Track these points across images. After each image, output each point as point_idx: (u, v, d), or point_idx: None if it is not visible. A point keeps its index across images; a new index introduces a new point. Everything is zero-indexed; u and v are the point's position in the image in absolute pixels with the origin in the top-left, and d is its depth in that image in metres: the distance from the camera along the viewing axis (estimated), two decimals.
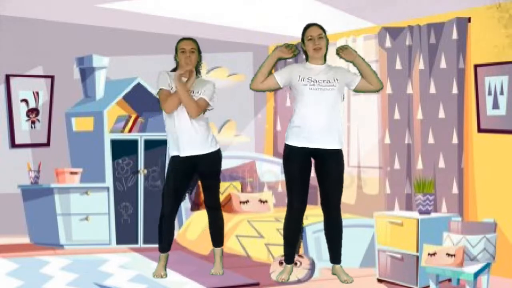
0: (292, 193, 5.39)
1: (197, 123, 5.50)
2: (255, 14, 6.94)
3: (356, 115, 7.21)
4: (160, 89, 5.50)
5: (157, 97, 5.55)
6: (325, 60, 5.44)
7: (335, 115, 5.34)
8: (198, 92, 5.53)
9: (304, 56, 5.52)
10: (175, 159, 5.54)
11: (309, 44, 5.35)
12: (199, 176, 5.66)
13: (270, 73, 5.41)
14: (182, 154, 5.49)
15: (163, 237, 5.57)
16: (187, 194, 6.37)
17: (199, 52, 5.61)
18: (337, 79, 5.36)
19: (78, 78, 7.37)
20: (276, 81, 5.39)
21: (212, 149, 5.58)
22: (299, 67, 5.44)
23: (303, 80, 5.33)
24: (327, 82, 5.32)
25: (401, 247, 5.46)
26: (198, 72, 5.61)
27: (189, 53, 5.51)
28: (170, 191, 5.52)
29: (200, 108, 5.49)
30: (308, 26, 5.41)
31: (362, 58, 5.40)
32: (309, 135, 5.31)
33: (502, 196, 5.85)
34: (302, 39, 5.43)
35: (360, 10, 6.51)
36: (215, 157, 5.61)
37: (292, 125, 5.37)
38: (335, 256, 5.53)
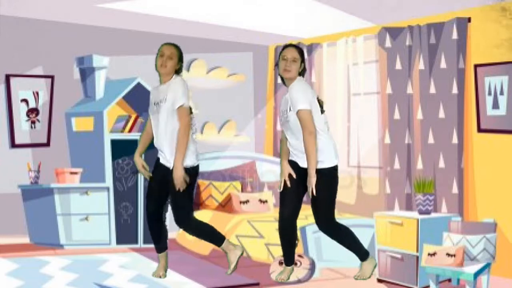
0: (281, 201, 5.41)
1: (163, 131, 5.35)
2: (255, 14, 6.94)
3: (356, 115, 7.21)
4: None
5: None
6: (301, 75, 5.39)
7: (300, 140, 5.25)
8: (165, 99, 5.28)
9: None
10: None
11: (281, 63, 5.33)
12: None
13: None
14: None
15: (152, 237, 5.54)
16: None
17: (180, 58, 5.42)
18: (290, 107, 5.28)
19: (78, 78, 7.37)
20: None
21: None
22: (282, 99, 5.47)
23: (279, 116, 5.46)
24: (284, 113, 5.34)
25: (401, 247, 5.46)
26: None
27: (166, 58, 5.34)
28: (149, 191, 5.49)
29: (183, 125, 5.22)
30: (286, 46, 5.40)
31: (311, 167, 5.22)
32: (292, 156, 5.39)
33: (502, 196, 5.85)
34: (279, 56, 5.40)
35: (360, 10, 6.51)
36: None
37: None
38: (356, 255, 5.50)
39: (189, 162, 5.31)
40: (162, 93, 5.33)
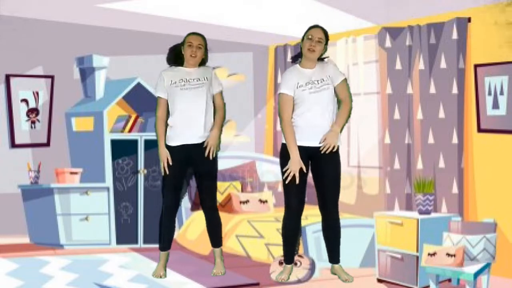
0: (289, 194, 5.38)
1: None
2: (255, 14, 6.94)
3: (356, 115, 7.20)
4: (158, 96, 5.62)
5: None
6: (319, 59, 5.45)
7: (333, 113, 5.37)
8: (201, 79, 5.56)
9: (289, 60, 5.55)
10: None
11: (306, 43, 5.34)
12: (195, 176, 5.68)
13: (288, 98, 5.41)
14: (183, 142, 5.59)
15: (163, 234, 5.58)
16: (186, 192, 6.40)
17: (206, 49, 5.64)
18: (329, 76, 5.39)
19: (78, 78, 7.38)
20: (291, 99, 5.37)
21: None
22: (293, 74, 5.40)
23: (302, 86, 5.34)
24: (322, 82, 5.35)
25: (401, 247, 5.46)
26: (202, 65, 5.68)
27: (195, 48, 5.54)
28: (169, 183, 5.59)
29: (223, 109, 5.67)
30: (314, 26, 5.41)
31: (340, 128, 5.37)
32: (307, 134, 5.33)
33: (502, 196, 5.85)
34: (304, 36, 5.42)
35: (360, 10, 6.51)
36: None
37: (292, 123, 5.38)
38: (335, 255, 5.53)
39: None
40: (197, 73, 5.57)
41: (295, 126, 5.36)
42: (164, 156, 5.53)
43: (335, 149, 5.34)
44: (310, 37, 5.34)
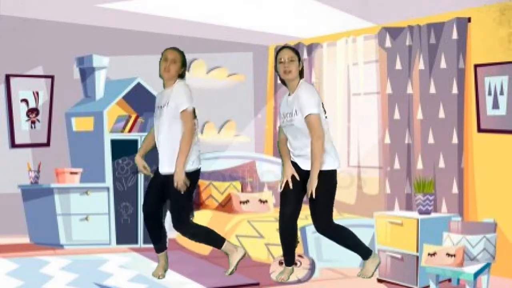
0: (282, 200, 5.36)
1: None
2: (255, 14, 6.94)
3: (356, 115, 7.21)
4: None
5: None
6: (301, 77, 5.35)
7: (304, 144, 5.23)
8: (163, 105, 5.28)
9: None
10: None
11: (280, 67, 5.29)
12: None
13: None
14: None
15: (150, 237, 5.52)
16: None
17: (183, 63, 5.40)
18: (296, 110, 5.22)
19: (78, 78, 7.37)
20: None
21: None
22: (282, 102, 5.41)
23: (281, 117, 5.37)
24: (290, 115, 5.26)
25: (401, 247, 5.46)
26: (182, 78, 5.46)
27: (169, 62, 5.31)
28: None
29: (187, 129, 5.21)
30: (280, 49, 5.35)
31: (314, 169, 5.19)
32: (294, 159, 5.32)
33: (502, 196, 5.85)
34: (275, 62, 5.36)
35: (360, 10, 6.51)
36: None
37: None
38: (358, 254, 5.40)
39: (190, 166, 5.27)
40: (165, 97, 5.31)
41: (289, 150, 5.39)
42: (140, 165, 5.42)
43: (314, 196, 5.15)
44: (281, 60, 5.27)
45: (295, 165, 5.33)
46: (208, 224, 6.30)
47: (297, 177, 5.28)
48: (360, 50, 7.06)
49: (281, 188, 5.36)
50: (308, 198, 5.22)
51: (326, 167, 5.18)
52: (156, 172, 5.42)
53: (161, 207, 5.44)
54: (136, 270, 5.75)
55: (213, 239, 5.44)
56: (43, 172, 7.05)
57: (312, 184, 5.14)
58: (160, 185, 5.38)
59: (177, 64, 5.33)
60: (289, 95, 5.34)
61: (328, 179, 5.20)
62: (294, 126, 5.21)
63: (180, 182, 5.19)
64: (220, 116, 8.22)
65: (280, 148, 5.44)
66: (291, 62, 5.26)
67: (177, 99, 5.23)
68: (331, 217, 5.26)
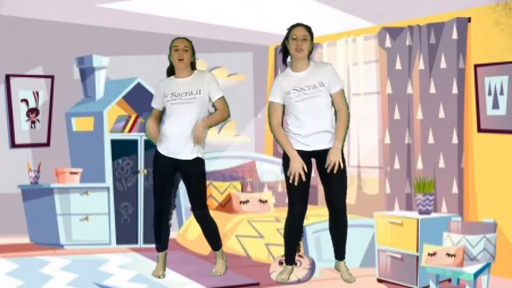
0: (292, 197, 5.36)
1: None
2: (255, 14, 6.94)
3: (356, 115, 7.21)
4: (152, 106, 5.63)
5: None
6: (308, 59, 5.37)
7: (327, 118, 5.27)
8: (193, 93, 5.46)
9: (288, 59, 5.45)
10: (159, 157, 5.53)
11: (292, 43, 5.27)
12: (183, 181, 5.61)
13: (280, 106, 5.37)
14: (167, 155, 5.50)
15: (156, 236, 5.57)
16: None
17: (193, 51, 5.56)
18: (322, 83, 5.26)
19: (78, 78, 7.38)
20: (280, 106, 5.35)
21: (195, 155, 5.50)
22: (283, 79, 5.34)
23: (289, 93, 5.27)
24: (312, 88, 5.24)
25: (401, 247, 5.46)
26: (194, 68, 5.61)
27: (182, 51, 5.46)
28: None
29: (226, 111, 5.52)
30: (295, 26, 5.32)
31: (342, 143, 5.30)
32: (306, 140, 5.29)
33: (502, 196, 5.85)
34: (287, 36, 5.34)
35: (360, 10, 6.51)
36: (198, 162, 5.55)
37: (287, 130, 5.36)
38: (340, 252, 5.49)
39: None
40: (190, 85, 5.45)
41: (290, 132, 5.32)
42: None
43: (342, 167, 5.27)
44: (294, 37, 5.26)
45: (301, 152, 5.27)
46: None
47: (305, 169, 5.26)
48: (360, 50, 7.06)
49: (290, 181, 5.26)
50: (327, 176, 5.25)
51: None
52: (161, 164, 5.47)
53: (171, 202, 5.60)
54: (136, 270, 5.75)
55: (218, 237, 5.68)
56: (43, 172, 7.05)
57: (339, 155, 5.19)
58: (168, 175, 5.49)
59: (188, 52, 5.50)
60: (293, 71, 5.31)
61: (344, 160, 5.33)
62: (318, 99, 5.21)
63: (199, 135, 5.35)
64: None
65: (278, 133, 5.32)
66: (304, 40, 5.26)
67: (211, 87, 5.46)
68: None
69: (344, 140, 5.30)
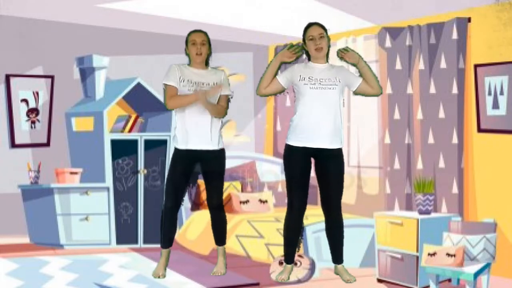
0: (292, 194, 5.38)
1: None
2: (255, 14, 6.94)
3: (356, 115, 7.21)
4: (167, 84, 5.45)
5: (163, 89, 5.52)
6: (327, 59, 5.44)
7: (336, 115, 5.33)
8: (212, 83, 5.52)
9: (305, 56, 5.51)
10: (179, 152, 5.53)
11: (311, 44, 5.33)
12: (203, 175, 5.65)
13: (274, 77, 5.40)
14: (188, 147, 5.51)
15: (165, 232, 5.58)
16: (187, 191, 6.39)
17: (210, 44, 5.60)
18: (339, 79, 5.35)
19: (78, 78, 7.37)
20: (280, 84, 5.39)
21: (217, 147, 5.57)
22: (300, 67, 5.42)
23: (304, 79, 5.32)
24: (328, 81, 5.31)
25: (401, 247, 5.46)
26: (207, 64, 5.64)
27: (200, 45, 5.48)
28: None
29: (224, 109, 5.56)
30: (309, 26, 5.38)
31: (365, 61, 5.38)
32: (309, 135, 5.31)
33: (502, 196, 5.85)
34: (304, 39, 5.40)
35: (360, 10, 6.51)
36: (220, 155, 5.61)
37: (293, 125, 5.37)
38: (338, 256, 5.52)
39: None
40: (207, 77, 5.53)
41: (296, 126, 5.34)
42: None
43: (350, 60, 5.33)
44: (311, 37, 5.33)
45: (303, 149, 5.30)
46: (208, 224, 6.30)
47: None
48: (360, 50, 7.04)
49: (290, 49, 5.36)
50: (324, 178, 5.38)
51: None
52: (180, 160, 5.49)
53: (183, 198, 5.63)
54: (136, 270, 5.75)
55: (226, 232, 5.75)
56: (43, 172, 7.05)
57: (356, 57, 5.29)
58: (193, 171, 5.54)
59: (206, 46, 5.55)
60: (311, 62, 5.39)
61: (343, 162, 5.51)
62: (332, 91, 5.27)
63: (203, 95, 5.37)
64: None
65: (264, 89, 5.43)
66: (322, 38, 5.33)
67: (225, 84, 5.58)
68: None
69: (365, 66, 5.34)
